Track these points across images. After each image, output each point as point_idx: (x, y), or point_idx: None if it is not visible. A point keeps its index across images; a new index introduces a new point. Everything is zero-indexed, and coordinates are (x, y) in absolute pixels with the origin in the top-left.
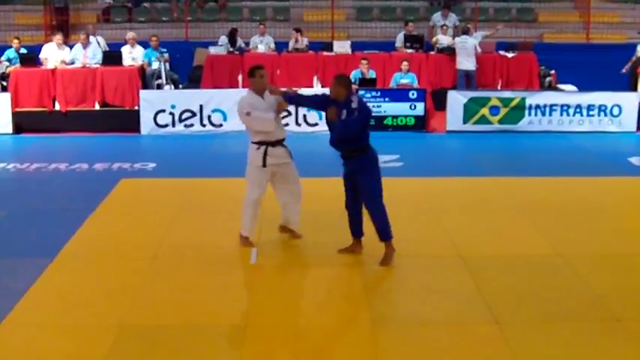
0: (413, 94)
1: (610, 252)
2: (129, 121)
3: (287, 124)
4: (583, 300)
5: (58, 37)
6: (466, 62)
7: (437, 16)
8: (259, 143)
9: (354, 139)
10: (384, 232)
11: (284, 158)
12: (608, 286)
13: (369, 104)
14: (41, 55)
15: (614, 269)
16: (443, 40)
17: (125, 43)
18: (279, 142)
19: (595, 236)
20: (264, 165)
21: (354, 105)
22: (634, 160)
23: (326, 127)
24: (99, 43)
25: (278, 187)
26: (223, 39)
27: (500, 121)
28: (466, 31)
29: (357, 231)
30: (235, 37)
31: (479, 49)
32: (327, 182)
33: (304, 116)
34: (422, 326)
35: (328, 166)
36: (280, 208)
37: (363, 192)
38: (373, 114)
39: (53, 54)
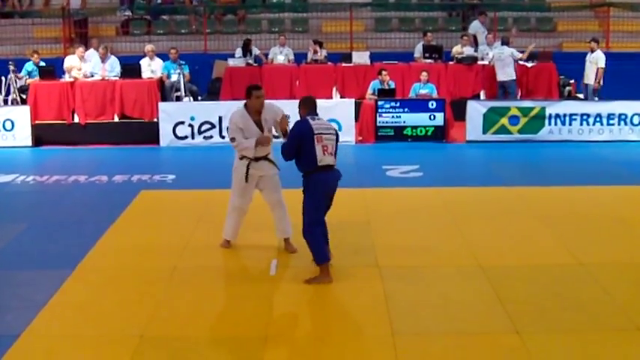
0: (432, 105)
1: (631, 261)
2: (148, 133)
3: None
4: (604, 309)
5: (81, 50)
6: (502, 73)
7: (477, 24)
8: (243, 157)
9: (296, 160)
10: (315, 258)
11: (267, 170)
12: (630, 296)
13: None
14: (65, 65)
15: (635, 278)
16: (486, 49)
17: (144, 55)
18: (262, 157)
19: (616, 245)
20: (246, 180)
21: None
22: None
23: (345, 138)
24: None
25: (265, 198)
26: (239, 51)
27: (520, 131)
28: (506, 42)
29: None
30: (249, 47)
31: (517, 55)
32: (345, 193)
33: None
34: (443, 336)
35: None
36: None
37: (303, 216)
38: (393, 124)
39: (76, 65)
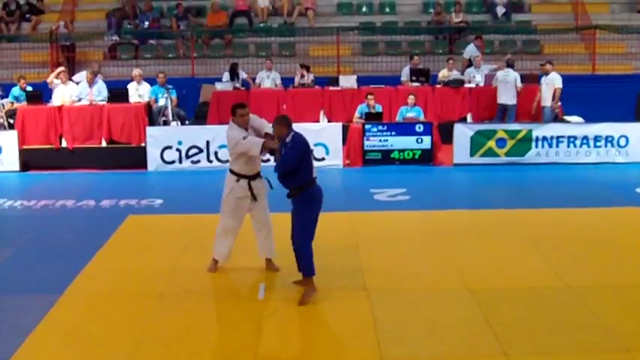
0: (419, 128)
1: (619, 283)
2: (135, 158)
3: None
4: (593, 331)
5: (62, 74)
6: (504, 96)
7: (472, 48)
8: (241, 176)
9: (294, 173)
10: (306, 270)
11: (261, 189)
12: (618, 317)
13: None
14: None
15: (623, 300)
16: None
17: (132, 79)
18: (258, 175)
19: (604, 267)
20: (254, 197)
21: (288, 139)
22: None
23: (332, 161)
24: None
25: (255, 217)
26: (226, 75)
27: (507, 154)
28: (511, 65)
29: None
30: (236, 71)
31: (519, 84)
32: (333, 217)
33: (311, 151)
34: (430, 359)
35: (334, 200)
36: (258, 242)
37: (295, 229)
38: (381, 148)
39: (59, 90)
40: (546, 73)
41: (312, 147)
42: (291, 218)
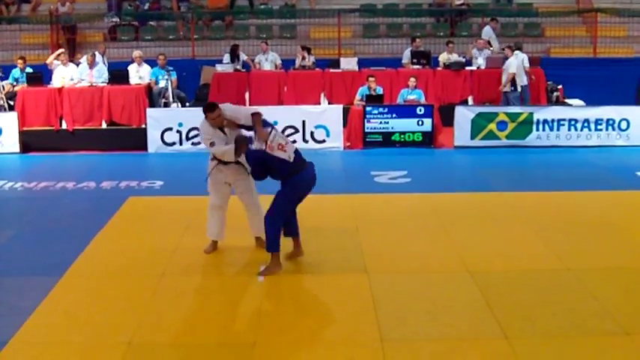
0: (420, 110)
1: (619, 265)
2: (136, 140)
3: (294, 141)
4: (592, 314)
5: (62, 56)
6: (515, 78)
7: (489, 30)
8: (219, 161)
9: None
10: (270, 246)
11: (240, 174)
12: (618, 300)
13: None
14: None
15: (623, 283)
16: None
17: (132, 61)
18: (237, 162)
19: (604, 250)
20: (229, 184)
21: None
22: None
23: (333, 144)
24: (105, 62)
25: (242, 200)
26: (227, 57)
27: (508, 137)
28: (520, 47)
29: (289, 230)
30: (237, 52)
31: (527, 65)
32: (334, 199)
33: (311, 133)
34: (431, 342)
35: (334, 182)
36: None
37: (273, 205)
38: (381, 130)
39: (59, 72)
40: (506, 58)
41: (312, 129)
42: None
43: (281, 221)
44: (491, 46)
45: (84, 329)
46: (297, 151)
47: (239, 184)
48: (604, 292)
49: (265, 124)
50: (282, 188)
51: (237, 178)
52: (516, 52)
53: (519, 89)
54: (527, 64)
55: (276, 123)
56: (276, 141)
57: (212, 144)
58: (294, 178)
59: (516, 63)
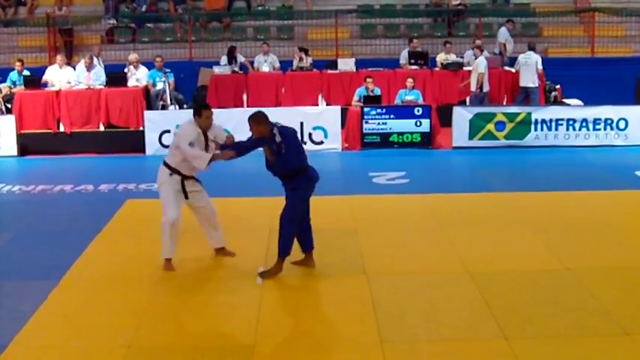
0: (418, 111)
1: (618, 265)
2: (134, 142)
3: None
4: (592, 314)
5: (60, 58)
6: (527, 79)
7: (505, 32)
8: (175, 171)
9: (283, 162)
10: (281, 250)
11: (195, 186)
12: (617, 300)
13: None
14: (45, 77)
15: (622, 283)
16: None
17: (129, 64)
18: (192, 177)
19: (603, 250)
20: (187, 197)
21: (277, 139)
22: None
23: (331, 145)
24: (100, 64)
25: (199, 211)
26: (224, 59)
27: (507, 137)
28: (533, 48)
29: (306, 245)
30: (234, 54)
31: (540, 67)
32: (333, 201)
33: (310, 134)
34: (431, 343)
35: (333, 183)
36: (204, 232)
37: (286, 209)
38: (379, 131)
39: (56, 75)
40: (475, 57)
41: (310, 130)
42: (286, 199)
43: (297, 222)
44: (505, 50)
45: (83, 332)
46: None
47: (198, 196)
48: (603, 292)
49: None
50: (293, 187)
51: (195, 189)
52: (530, 52)
53: (486, 89)
54: (540, 66)
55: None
56: None
57: (191, 144)
58: (304, 175)
59: (484, 63)
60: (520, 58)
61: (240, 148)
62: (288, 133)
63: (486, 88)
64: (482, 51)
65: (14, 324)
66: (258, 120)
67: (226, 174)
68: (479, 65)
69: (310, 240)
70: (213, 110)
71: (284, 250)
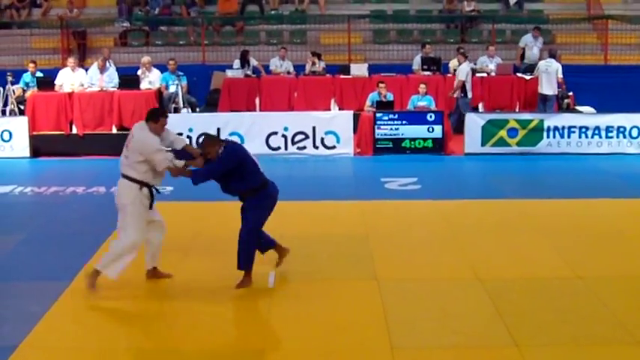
0: (431, 117)
1: (630, 274)
2: None
3: (304, 147)
4: (603, 323)
5: (71, 61)
6: (547, 86)
7: (528, 38)
8: (143, 184)
9: (237, 181)
10: (242, 263)
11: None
12: (629, 309)
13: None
14: (56, 82)
15: (634, 291)
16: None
17: (142, 66)
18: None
19: (615, 258)
20: (151, 207)
21: (220, 152)
22: None
23: (343, 150)
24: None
25: (150, 225)
26: (237, 62)
27: (519, 144)
28: (554, 55)
29: (268, 243)
30: (247, 58)
31: (561, 75)
32: (344, 205)
33: (322, 139)
34: (441, 350)
35: (345, 189)
36: (147, 249)
37: (245, 225)
38: (392, 137)
39: (68, 78)
40: (459, 63)
41: (322, 135)
42: (241, 213)
43: (256, 239)
44: (524, 56)
45: (93, 334)
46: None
47: (153, 213)
48: (615, 301)
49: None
50: (252, 205)
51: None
52: (550, 60)
53: (469, 95)
54: (560, 75)
55: (286, 129)
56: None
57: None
58: (263, 191)
59: (466, 70)
60: (540, 65)
61: (197, 175)
62: (231, 149)
63: (470, 94)
64: (465, 58)
65: (25, 325)
66: (206, 143)
67: None
68: (460, 72)
69: (267, 236)
70: (229, 113)
71: (247, 264)
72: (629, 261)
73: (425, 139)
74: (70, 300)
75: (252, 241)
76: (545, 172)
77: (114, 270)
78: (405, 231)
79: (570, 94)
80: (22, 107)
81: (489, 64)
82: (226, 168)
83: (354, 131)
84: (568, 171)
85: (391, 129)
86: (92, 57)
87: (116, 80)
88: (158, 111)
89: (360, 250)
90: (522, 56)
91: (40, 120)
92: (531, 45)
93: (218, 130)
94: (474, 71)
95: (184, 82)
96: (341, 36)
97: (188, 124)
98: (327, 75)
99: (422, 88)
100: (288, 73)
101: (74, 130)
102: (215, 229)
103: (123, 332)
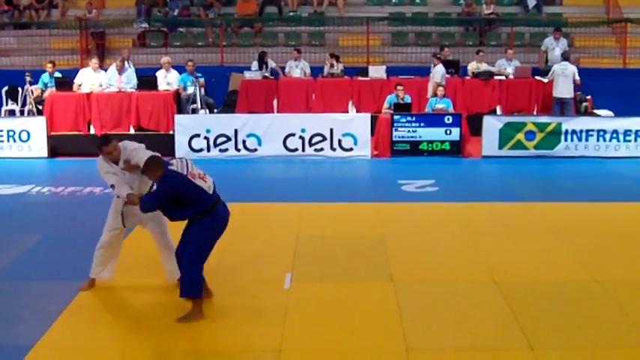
0: (448, 119)
1: None
2: (164, 146)
3: (322, 149)
4: (620, 327)
5: (94, 62)
6: (563, 90)
7: (549, 40)
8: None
9: (179, 210)
10: (187, 290)
11: (140, 216)
12: None
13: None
14: (75, 81)
15: None
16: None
17: (161, 67)
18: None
19: (632, 262)
20: (124, 225)
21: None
22: None
23: (360, 152)
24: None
25: (155, 240)
26: (255, 64)
27: (536, 147)
28: (567, 58)
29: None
30: (265, 59)
31: (577, 78)
32: (361, 207)
33: (339, 141)
34: (457, 351)
35: (362, 191)
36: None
37: (189, 249)
38: (409, 139)
39: (89, 78)
40: (434, 65)
41: (340, 137)
42: (185, 233)
43: (202, 265)
44: (546, 59)
45: (109, 334)
46: (214, 185)
47: (149, 223)
48: (631, 305)
49: (168, 163)
50: (200, 228)
51: (145, 216)
52: (565, 63)
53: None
54: (577, 77)
55: (304, 130)
56: (195, 169)
57: (112, 187)
58: (212, 214)
59: (441, 72)
60: (556, 69)
61: (143, 203)
62: (168, 176)
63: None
64: (440, 60)
65: (41, 324)
66: (148, 168)
67: (253, 180)
68: (435, 74)
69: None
70: (247, 114)
71: (196, 291)
72: None
73: (442, 142)
74: (86, 299)
75: (199, 267)
76: (562, 175)
77: (101, 271)
78: (421, 233)
79: (588, 97)
80: (40, 107)
81: (507, 67)
82: (164, 196)
83: (372, 133)
84: (585, 174)
85: (409, 131)
86: (111, 58)
87: (134, 81)
88: (97, 141)
89: (376, 252)
90: (545, 60)
91: (58, 120)
92: (552, 47)
93: (235, 131)
94: (492, 74)
95: (202, 82)
96: (359, 38)
97: (206, 126)
98: (345, 77)
99: (440, 90)
100: (305, 74)
101: (92, 131)
102: (231, 229)
103: (140, 332)
